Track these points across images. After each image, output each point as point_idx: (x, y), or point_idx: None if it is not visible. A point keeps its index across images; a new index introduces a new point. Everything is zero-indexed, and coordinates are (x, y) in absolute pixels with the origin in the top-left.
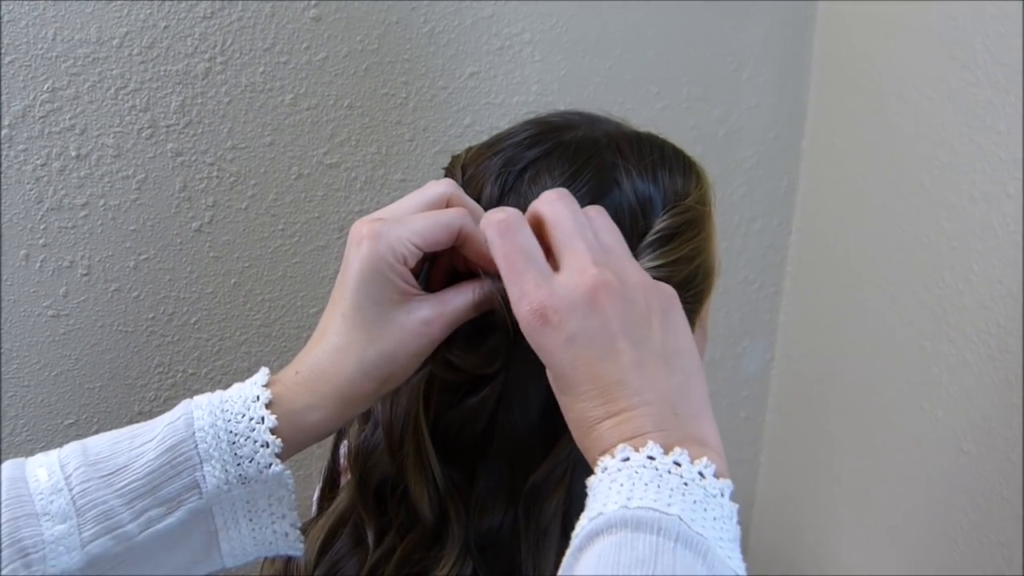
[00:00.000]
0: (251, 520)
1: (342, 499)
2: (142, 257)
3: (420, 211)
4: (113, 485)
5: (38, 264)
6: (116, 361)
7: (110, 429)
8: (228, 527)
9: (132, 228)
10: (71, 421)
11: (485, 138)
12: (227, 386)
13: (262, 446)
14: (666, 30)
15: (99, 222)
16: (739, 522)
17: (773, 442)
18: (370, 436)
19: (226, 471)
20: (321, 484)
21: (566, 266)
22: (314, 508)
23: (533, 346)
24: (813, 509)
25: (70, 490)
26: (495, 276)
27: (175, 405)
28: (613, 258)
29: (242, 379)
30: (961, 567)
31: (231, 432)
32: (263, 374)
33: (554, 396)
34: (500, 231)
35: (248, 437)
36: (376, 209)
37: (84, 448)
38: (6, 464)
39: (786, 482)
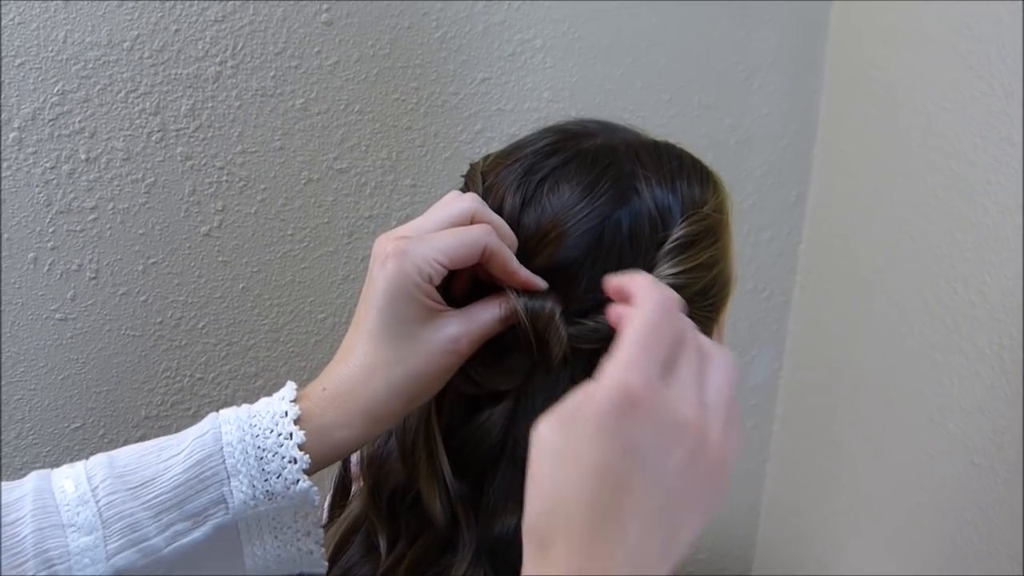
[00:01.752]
0: (276, 537)
1: (354, 507)
2: (150, 261)
3: (444, 227)
4: (140, 498)
5: (46, 267)
6: (123, 365)
7: (117, 433)
8: (253, 543)
9: (141, 232)
10: (77, 425)
11: (496, 144)
12: (235, 391)
13: (290, 462)
14: (678, 37)
15: (108, 225)
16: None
17: (780, 451)
18: (383, 444)
19: (253, 486)
20: (332, 491)
21: (676, 385)
22: (325, 516)
23: (586, 416)
24: (820, 519)
25: (96, 502)
26: (519, 291)
27: (182, 409)
28: (714, 408)
29: (249, 384)
30: None
31: (259, 447)
32: (291, 389)
33: None
34: (660, 305)
35: (276, 452)
36: (385, 215)
37: (111, 460)
38: (33, 475)
39: (793, 492)
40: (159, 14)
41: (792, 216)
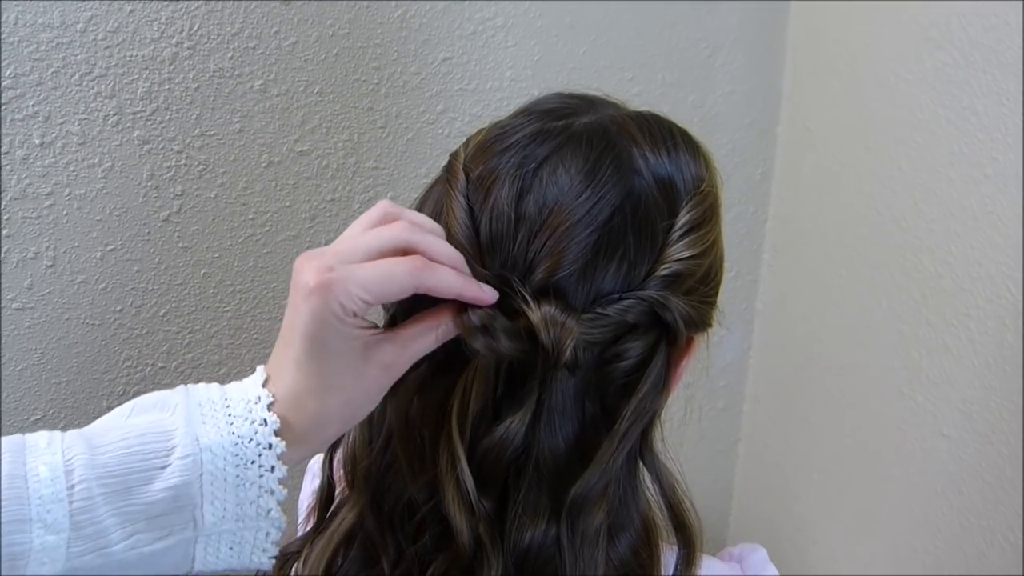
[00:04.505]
0: (232, 548)
1: (348, 516)
2: (109, 248)
3: (372, 257)
4: (113, 504)
5: (1, 255)
6: (83, 355)
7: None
8: (208, 552)
9: (98, 218)
10: (37, 417)
11: (459, 125)
12: (198, 380)
13: (268, 492)
14: (640, 15)
15: (64, 212)
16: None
17: (751, 431)
18: (381, 455)
19: (225, 510)
20: (318, 492)
21: None
22: (302, 514)
23: None
24: (792, 498)
25: (71, 502)
26: (459, 306)
27: None
28: None
29: (213, 373)
30: (943, 552)
31: (240, 477)
32: (276, 421)
33: (590, 409)
34: None
35: (255, 484)
36: (347, 197)
37: (92, 453)
38: (5, 448)
39: (765, 471)
40: None
41: (758, 194)
